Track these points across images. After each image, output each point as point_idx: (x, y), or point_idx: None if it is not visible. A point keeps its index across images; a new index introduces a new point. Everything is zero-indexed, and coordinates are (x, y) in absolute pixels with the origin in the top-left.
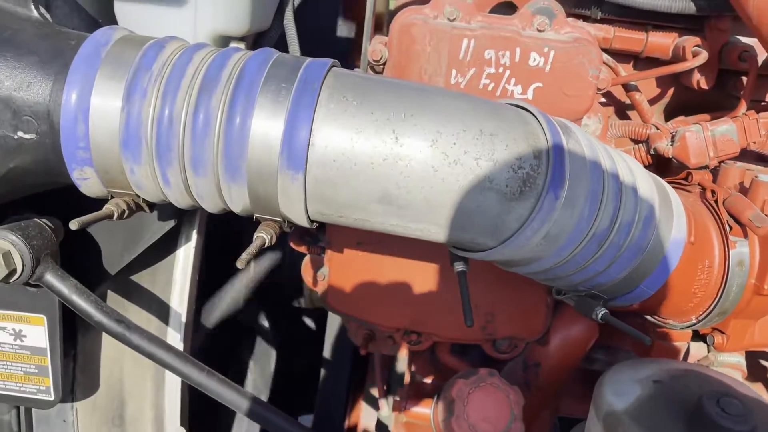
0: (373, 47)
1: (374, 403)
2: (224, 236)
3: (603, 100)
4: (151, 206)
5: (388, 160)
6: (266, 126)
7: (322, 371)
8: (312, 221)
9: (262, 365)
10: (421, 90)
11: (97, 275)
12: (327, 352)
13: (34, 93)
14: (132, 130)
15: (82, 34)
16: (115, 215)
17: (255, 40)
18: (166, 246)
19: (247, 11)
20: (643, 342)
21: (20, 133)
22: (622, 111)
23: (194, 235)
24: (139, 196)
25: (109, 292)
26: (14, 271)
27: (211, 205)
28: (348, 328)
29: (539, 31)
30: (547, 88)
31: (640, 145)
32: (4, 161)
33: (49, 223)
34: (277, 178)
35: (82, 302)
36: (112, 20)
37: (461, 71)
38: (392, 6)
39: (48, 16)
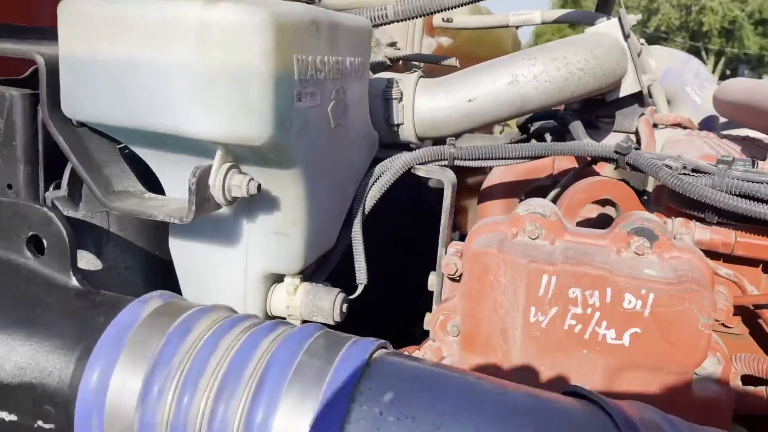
0: (447, 261)
1: None
2: None
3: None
4: None
5: None
6: None
7: None
8: None
9: None
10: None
11: None
12: None
13: (54, 382)
14: None
15: (117, 303)
16: None
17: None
18: None
19: (299, 252)
20: None
21: (40, 422)
22: (754, 327)
23: None
24: None
25: None
26: None
27: None
28: None
29: (637, 254)
30: (647, 334)
31: None
32: None
33: None
34: None
35: None
36: (168, 253)
37: (542, 309)
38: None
39: (88, 276)
